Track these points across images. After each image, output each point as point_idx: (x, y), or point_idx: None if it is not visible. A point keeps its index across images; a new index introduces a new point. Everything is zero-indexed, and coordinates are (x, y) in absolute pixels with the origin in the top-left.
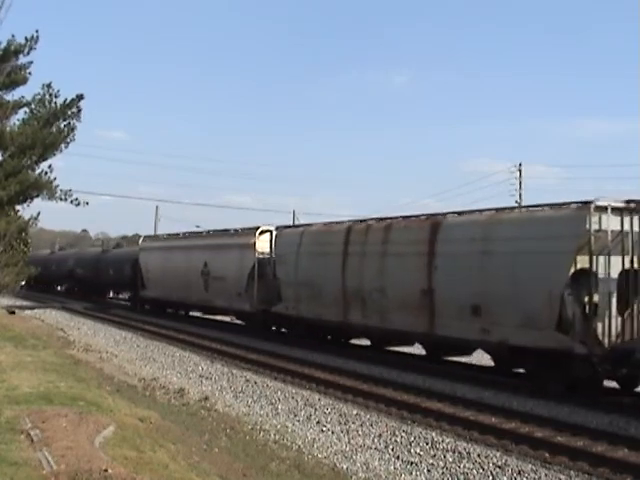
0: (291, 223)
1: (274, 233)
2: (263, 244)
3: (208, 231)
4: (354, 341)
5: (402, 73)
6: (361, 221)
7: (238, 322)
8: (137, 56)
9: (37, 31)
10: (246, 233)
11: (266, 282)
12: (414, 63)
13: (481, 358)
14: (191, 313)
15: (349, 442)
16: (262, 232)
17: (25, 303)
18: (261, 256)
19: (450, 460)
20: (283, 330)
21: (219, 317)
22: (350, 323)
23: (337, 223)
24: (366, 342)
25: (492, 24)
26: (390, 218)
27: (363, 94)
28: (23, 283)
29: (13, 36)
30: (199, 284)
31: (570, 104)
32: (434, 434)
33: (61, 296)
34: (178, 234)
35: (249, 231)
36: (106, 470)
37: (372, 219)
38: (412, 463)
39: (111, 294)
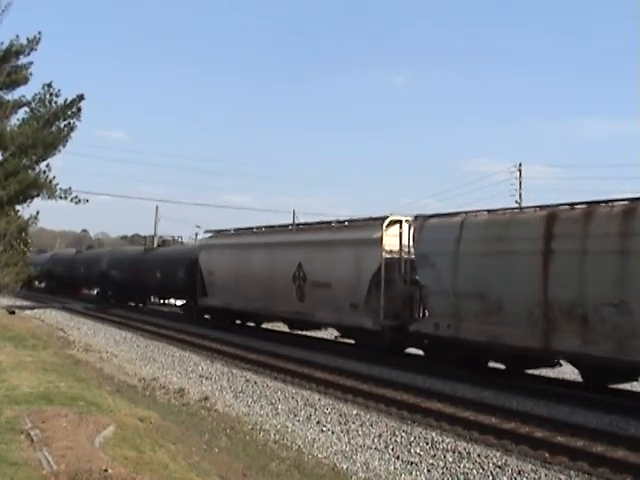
0: (292, 221)
1: (410, 225)
2: (391, 240)
3: (301, 223)
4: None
5: (402, 73)
6: (570, 205)
7: (346, 341)
8: (137, 56)
9: (40, 32)
10: (366, 225)
11: (395, 291)
12: (414, 63)
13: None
14: (269, 325)
15: (349, 442)
16: (390, 223)
17: (25, 303)
18: (389, 256)
19: (450, 460)
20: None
21: (319, 334)
22: (555, 350)
23: (520, 210)
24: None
25: (492, 24)
26: (632, 199)
27: (363, 94)
28: (42, 285)
29: (17, 37)
30: (289, 292)
31: (570, 104)
32: (434, 434)
33: (91, 301)
34: (256, 228)
35: (372, 223)
36: (106, 470)
37: (582, 202)
38: (412, 463)
39: (152, 300)
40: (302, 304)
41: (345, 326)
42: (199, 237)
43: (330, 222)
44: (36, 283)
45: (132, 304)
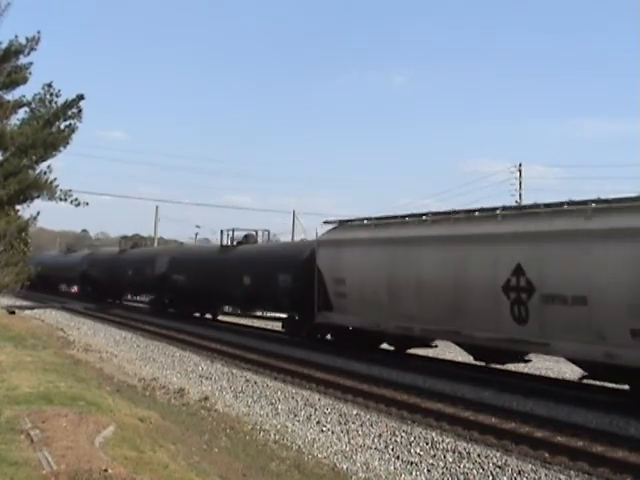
0: (290, 224)
1: None
2: None
3: (521, 206)
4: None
5: (402, 73)
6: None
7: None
8: (137, 56)
9: (39, 32)
10: None
11: None
12: (414, 63)
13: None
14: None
15: (349, 442)
16: None
17: (25, 303)
18: None
19: (450, 460)
20: None
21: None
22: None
23: None
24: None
25: (492, 24)
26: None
27: (363, 94)
28: (72, 289)
29: (16, 37)
30: (496, 309)
31: (570, 104)
32: (434, 434)
33: (142, 313)
34: (426, 214)
35: None
36: (106, 470)
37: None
38: (412, 463)
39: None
40: (523, 328)
41: (618, 365)
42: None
43: (581, 202)
44: (64, 286)
45: (198, 315)
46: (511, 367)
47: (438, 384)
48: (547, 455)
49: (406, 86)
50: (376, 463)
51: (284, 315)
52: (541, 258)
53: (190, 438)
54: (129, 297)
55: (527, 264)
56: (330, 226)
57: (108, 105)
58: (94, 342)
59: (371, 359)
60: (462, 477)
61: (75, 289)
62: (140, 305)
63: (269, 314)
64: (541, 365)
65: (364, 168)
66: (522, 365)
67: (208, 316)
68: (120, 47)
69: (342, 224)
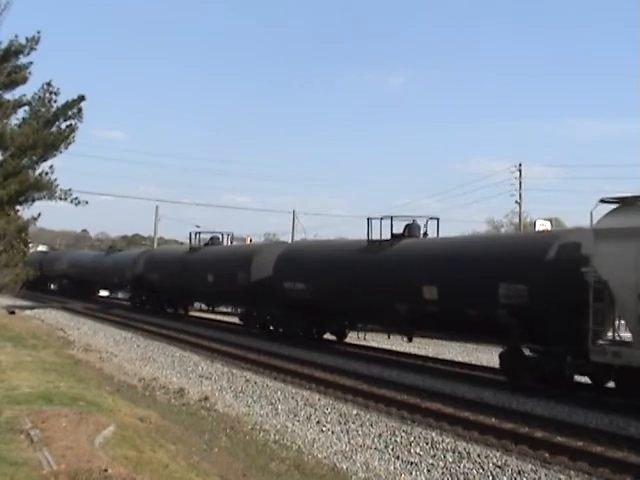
0: (290, 224)
1: None
2: None
3: None
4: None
5: (400, 74)
6: None
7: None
8: (137, 56)
9: (39, 32)
10: None
11: None
12: (413, 63)
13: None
14: None
15: (349, 442)
16: None
17: (25, 303)
18: None
19: (450, 460)
20: None
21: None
22: None
23: None
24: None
25: (491, 24)
26: None
27: (362, 95)
28: (117, 294)
29: (16, 36)
30: None
31: (570, 104)
32: (434, 434)
33: (225, 329)
34: None
35: None
36: (106, 470)
37: None
38: (412, 463)
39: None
40: None
41: None
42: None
43: None
44: (100, 292)
45: (333, 337)
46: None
47: (438, 384)
48: (547, 455)
49: (405, 86)
50: (376, 463)
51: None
52: None
53: (190, 438)
54: (201, 307)
55: None
56: (610, 207)
57: (108, 105)
58: (94, 342)
59: (371, 359)
60: (462, 477)
61: (121, 295)
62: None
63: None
64: None
65: (364, 168)
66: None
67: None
68: (120, 46)
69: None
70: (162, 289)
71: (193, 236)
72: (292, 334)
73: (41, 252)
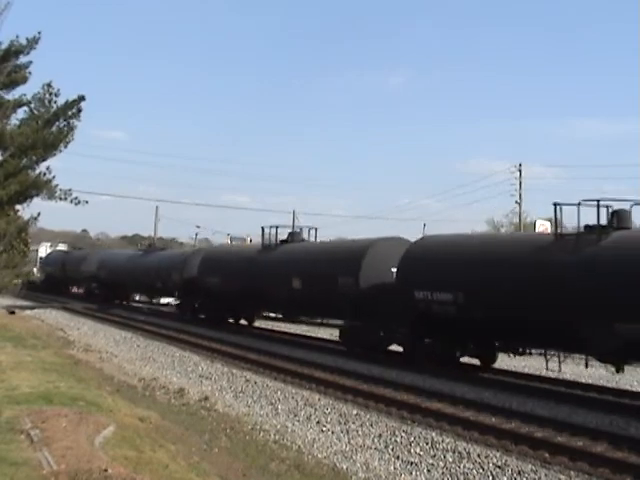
0: (291, 223)
1: None
2: None
3: None
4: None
5: (400, 74)
6: None
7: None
8: (137, 55)
9: (39, 32)
10: None
11: None
12: (413, 63)
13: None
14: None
15: (349, 442)
16: None
17: (25, 303)
18: None
19: (450, 460)
20: None
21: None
22: None
23: None
24: None
25: (491, 24)
26: None
27: (362, 95)
28: (167, 302)
29: (17, 37)
30: None
31: (570, 104)
32: (434, 434)
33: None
34: None
35: None
36: (106, 470)
37: None
38: (412, 463)
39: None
40: None
41: None
42: None
43: None
44: (165, 300)
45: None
46: (511, 367)
47: (438, 384)
48: (547, 455)
49: (405, 86)
50: (376, 463)
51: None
52: None
53: (190, 438)
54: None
55: None
56: None
57: (107, 105)
58: (94, 342)
59: (373, 359)
60: (462, 477)
61: (167, 301)
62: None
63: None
64: (541, 365)
65: (364, 168)
66: (522, 365)
67: None
68: (119, 46)
69: None
70: (224, 296)
71: (267, 231)
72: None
73: (62, 251)
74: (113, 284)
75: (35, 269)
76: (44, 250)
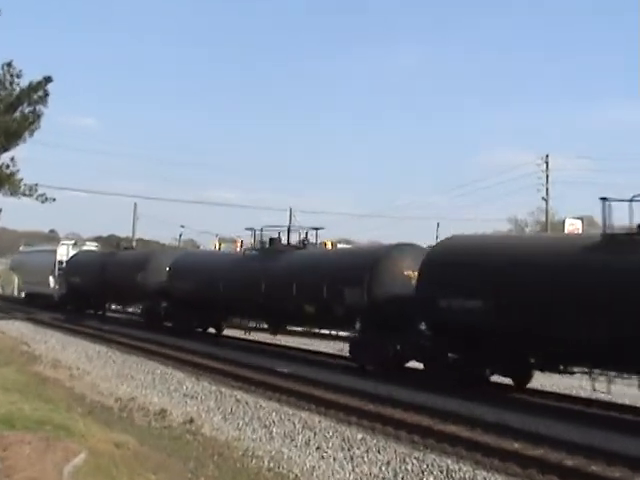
0: (287, 222)
1: None
2: None
3: None
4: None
5: (410, 56)
6: None
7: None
8: (110, 34)
9: None
10: None
11: None
12: (424, 43)
13: None
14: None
15: (353, 470)
16: None
17: None
18: None
19: None
20: None
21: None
22: None
23: None
24: None
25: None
26: None
27: (365, 78)
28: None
29: None
30: None
31: (604, 87)
32: (449, 461)
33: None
34: None
35: None
36: None
37: None
38: None
39: None
40: None
41: None
42: None
43: None
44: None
45: None
46: (537, 385)
47: (453, 403)
48: None
49: (415, 69)
50: None
51: None
52: None
53: (173, 466)
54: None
55: None
56: None
57: (77, 88)
58: (63, 357)
59: (380, 376)
60: None
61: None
62: None
63: None
64: (572, 383)
65: (365, 163)
66: (549, 383)
67: None
68: (91, 23)
69: None
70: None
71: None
72: None
73: (97, 252)
74: (201, 305)
75: (51, 278)
76: (65, 251)
